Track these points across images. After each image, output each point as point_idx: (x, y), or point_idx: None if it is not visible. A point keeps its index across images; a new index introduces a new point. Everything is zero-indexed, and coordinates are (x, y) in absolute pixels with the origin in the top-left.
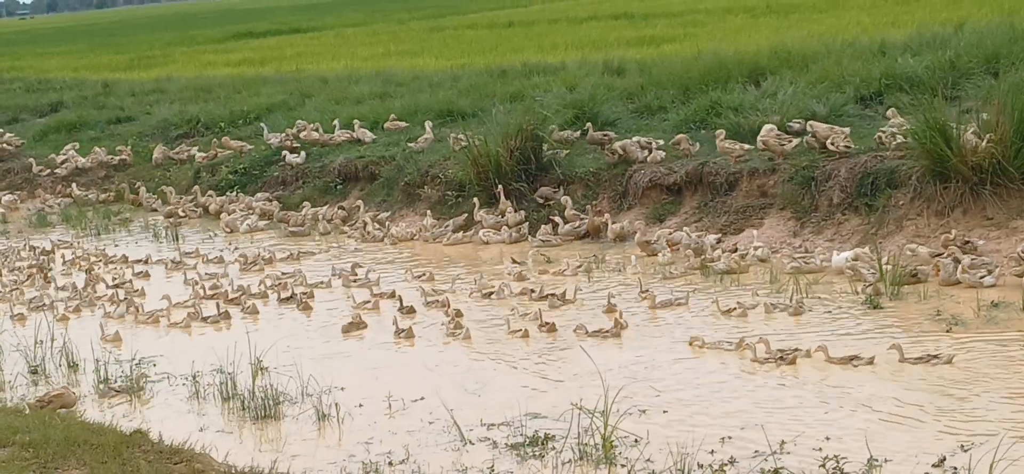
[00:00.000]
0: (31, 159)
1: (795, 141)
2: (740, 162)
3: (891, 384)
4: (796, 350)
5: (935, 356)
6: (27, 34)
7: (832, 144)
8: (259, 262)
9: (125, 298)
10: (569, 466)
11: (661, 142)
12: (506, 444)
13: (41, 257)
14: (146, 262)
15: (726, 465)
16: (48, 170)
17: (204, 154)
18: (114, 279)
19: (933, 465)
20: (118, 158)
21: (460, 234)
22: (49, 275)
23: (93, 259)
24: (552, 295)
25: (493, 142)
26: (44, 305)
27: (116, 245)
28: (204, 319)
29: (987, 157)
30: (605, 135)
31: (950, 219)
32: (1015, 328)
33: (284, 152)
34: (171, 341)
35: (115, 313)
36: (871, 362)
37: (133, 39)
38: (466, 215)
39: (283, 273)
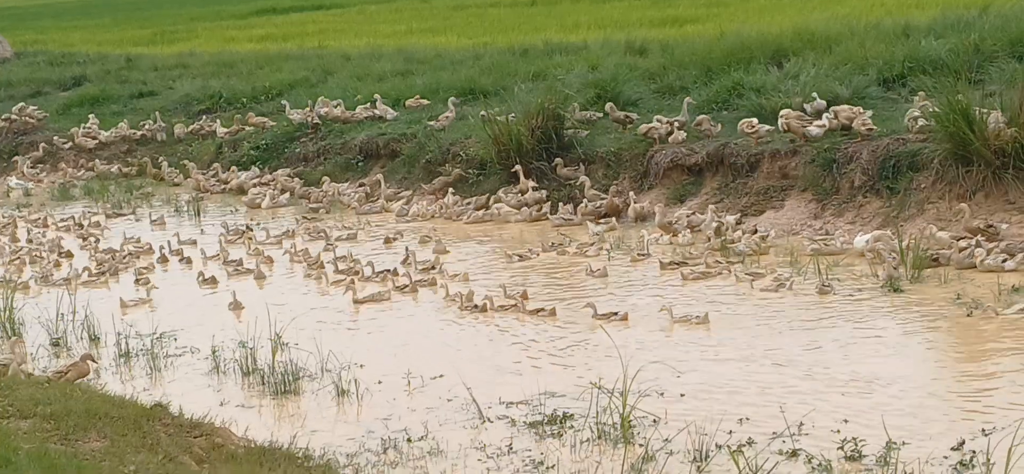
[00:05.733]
0: (54, 133)
1: (817, 123)
2: (762, 143)
3: None
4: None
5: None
6: (51, 7)
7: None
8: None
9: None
10: (587, 445)
11: (683, 121)
12: (525, 422)
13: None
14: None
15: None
16: (70, 143)
17: (226, 129)
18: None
19: (952, 448)
20: (140, 132)
21: (481, 212)
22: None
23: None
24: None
25: (515, 121)
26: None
27: (138, 219)
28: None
29: (1010, 141)
30: (627, 115)
31: (972, 203)
32: None
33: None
34: (192, 314)
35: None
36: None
37: (156, 14)
38: (488, 194)
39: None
